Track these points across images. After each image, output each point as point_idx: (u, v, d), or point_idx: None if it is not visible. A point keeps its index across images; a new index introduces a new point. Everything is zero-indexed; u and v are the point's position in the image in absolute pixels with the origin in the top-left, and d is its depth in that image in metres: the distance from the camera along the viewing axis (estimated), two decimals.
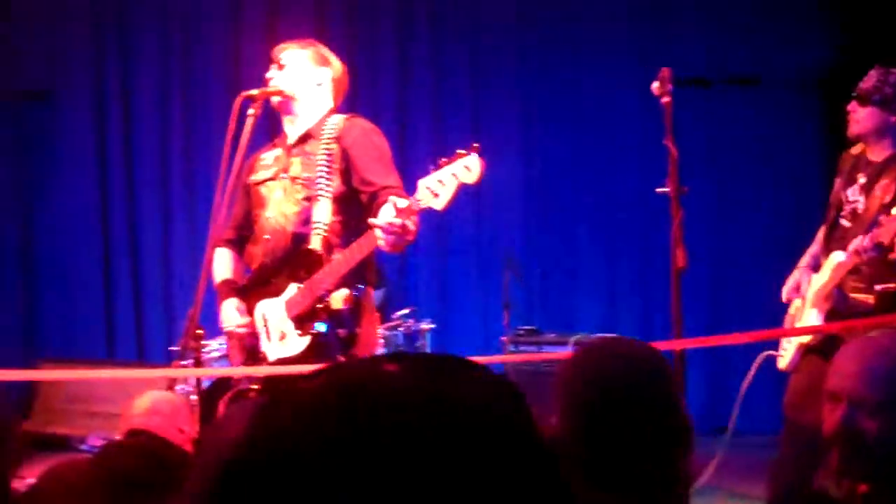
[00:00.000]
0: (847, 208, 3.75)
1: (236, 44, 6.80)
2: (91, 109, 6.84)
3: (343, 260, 3.29)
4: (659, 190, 3.56)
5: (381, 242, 3.13)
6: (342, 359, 3.34)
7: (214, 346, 5.82)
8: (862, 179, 3.71)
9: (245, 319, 3.52)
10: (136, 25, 6.82)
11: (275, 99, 3.55)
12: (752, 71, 6.48)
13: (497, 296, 6.25)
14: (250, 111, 3.49)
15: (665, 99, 3.62)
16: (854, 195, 3.73)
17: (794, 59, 6.51)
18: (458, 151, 3.07)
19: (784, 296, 3.93)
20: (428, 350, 5.88)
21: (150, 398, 3.24)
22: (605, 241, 6.83)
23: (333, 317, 3.36)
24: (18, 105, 6.84)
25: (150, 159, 6.91)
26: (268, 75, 3.59)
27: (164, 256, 6.93)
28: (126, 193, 6.90)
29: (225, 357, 5.02)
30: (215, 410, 3.84)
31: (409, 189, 3.19)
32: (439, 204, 3.07)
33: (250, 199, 3.63)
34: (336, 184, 3.42)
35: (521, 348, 5.51)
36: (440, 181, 3.05)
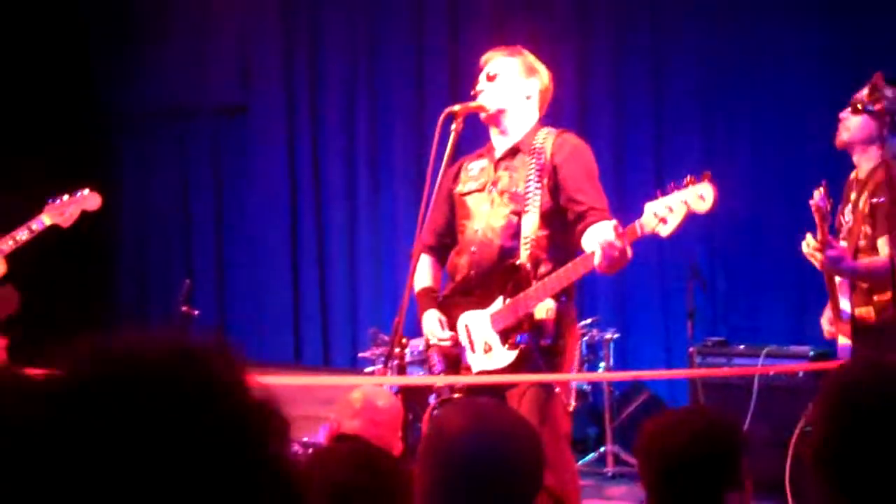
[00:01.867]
0: (843, 229, 3.84)
1: (419, 59, 6.92)
2: (282, 124, 7.09)
3: (556, 279, 3.30)
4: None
5: (598, 264, 3.13)
6: (546, 370, 3.36)
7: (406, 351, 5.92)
8: (853, 196, 3.80)
9: (447, 333, 3.57)
10: (324, 43, 7.05)
11: (483, 113, 3.59)
12: None
13: (680, 305, 6.15)
14: (453, 126, 3.55)
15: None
16: (847, 215, 3.82)
17: None
18: (689, 178, 3.04)
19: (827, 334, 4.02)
20: (612, 361, 5.86)
21: (365, 398, 3.24)
22: (794, 249, 6.62)
23: (536, 328, 3.38)
24: (214, 120, 7.17)
25: (336, 171, 7.11)
26: (478, 87, 3.62)
27: (350, 265, 7.12)
28: (314, 204, 7.13)
29: (419, 363, 5.12)
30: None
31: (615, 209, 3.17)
32: (666, 230, 3.04)
33: (454, 209, 3.68)
34: (544, 199, 3.44)
35: (710, 360, 5.41)
36: (669, 207, 3.02)
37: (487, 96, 3.57)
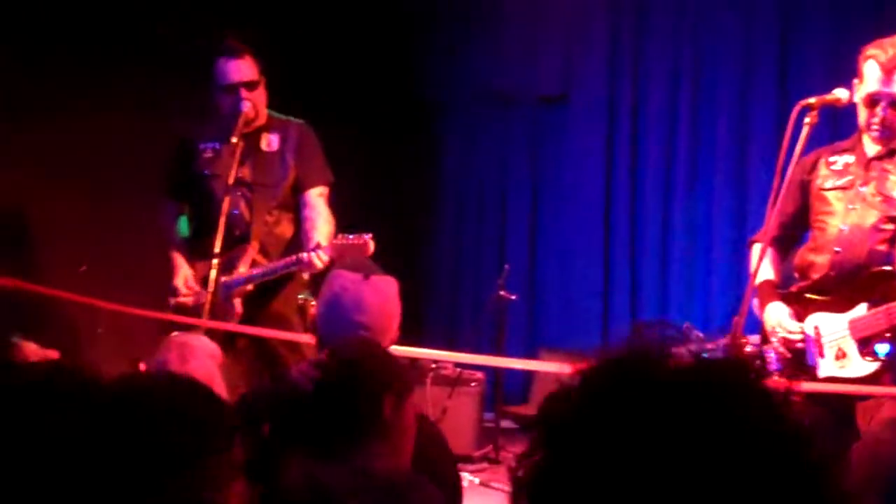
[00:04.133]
0: None
1: (746, 51, 6.71)
2: (601, 114, 7.10)
3: None
4: None
5: None
6: None
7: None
8: None
9: (797, 325, 3.44)
10: (649, 32, 6.98)
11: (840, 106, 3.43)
12: None
13: None
14: (807, 120, 3.41)
15: None
16: None
17: None
18: None
19: None
20: None
21: None
22: None
23: None
24: (535, 108, 7.29)
25: (654, 162, 7.04)
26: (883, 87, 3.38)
27: (662, 256, 7.04)
28: (629, 194, 7.10)
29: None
30: None
31: None
32: None
33: (807, 201, 3.54)
34: None
35: None
36: None
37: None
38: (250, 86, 4.56)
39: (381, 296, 2.80)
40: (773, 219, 3.49)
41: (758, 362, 3.68)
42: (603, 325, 7.16)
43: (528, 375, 6.84)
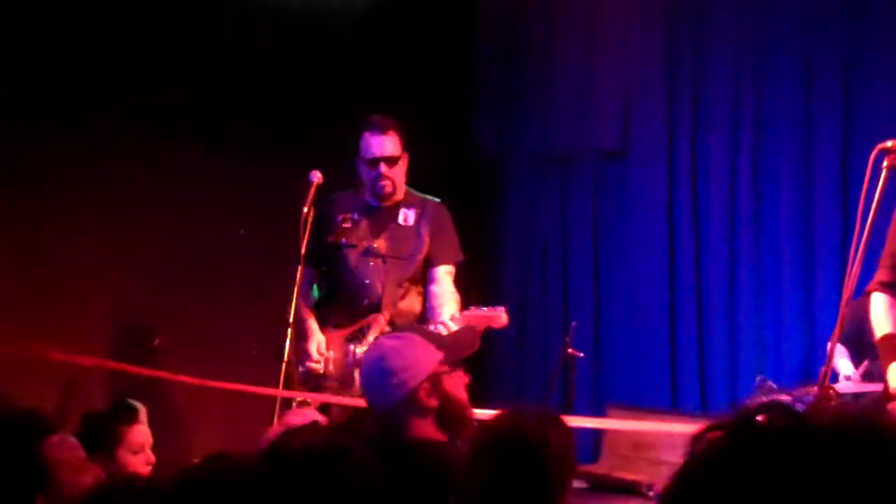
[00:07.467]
0: None
1: (807, 101, 6.65)
2: (661, 169, 7.06)
3: None
4: None
5: None
6: None
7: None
8: None
9: None
10: (708, 84, 6.96)
11: None
12: None
13: None
14: (884, 164, 3.37)
15: None
16: None
17: None
18: None
19: None
20: None
21: None
22: None
23: None
24: (593, 165, 7.27)
25: (717, 215, 6.97)
26: None
27: (730, 309, 6.95)
28: (693, 248, 7.04)
29: None
30: None
31: None
32: None
33: None
34: None
35: None
36: None
37: None
38: (391, 161, 4.76)
39: (397, 345, 2.99)
40: (883, 263, 3.41)
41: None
42: (671, 380, 7.06)
43: (598, 434, 6.74)
